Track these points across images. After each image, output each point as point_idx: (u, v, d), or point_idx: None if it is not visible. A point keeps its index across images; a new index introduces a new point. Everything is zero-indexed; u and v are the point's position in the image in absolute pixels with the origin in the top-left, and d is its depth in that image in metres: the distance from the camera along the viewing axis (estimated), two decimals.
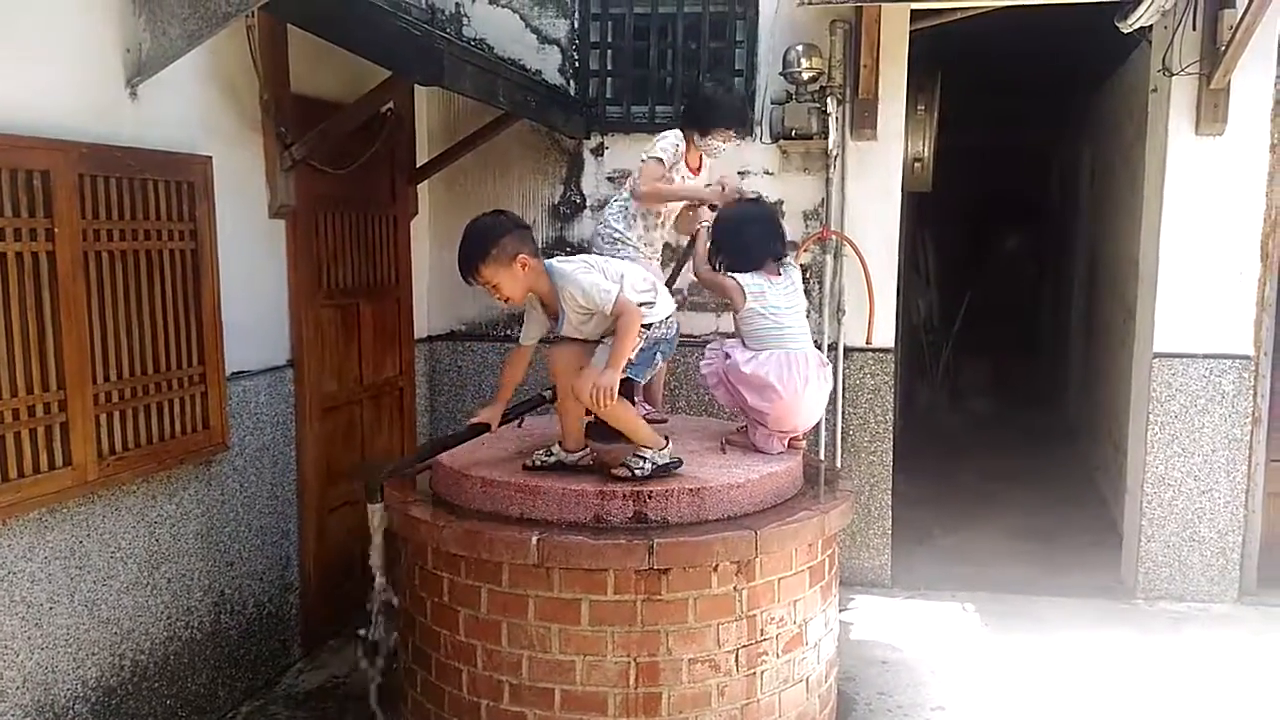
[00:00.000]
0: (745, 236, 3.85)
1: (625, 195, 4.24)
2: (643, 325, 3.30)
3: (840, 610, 5.02)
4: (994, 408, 10.53)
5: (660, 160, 4.10)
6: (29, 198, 3.02)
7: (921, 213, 10.43)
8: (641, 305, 3.30)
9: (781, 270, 3.81)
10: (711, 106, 4.15)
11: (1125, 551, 5.54)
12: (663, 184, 4.12)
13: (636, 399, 4.01)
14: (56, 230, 3.10)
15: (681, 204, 4.26)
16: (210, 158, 3.80)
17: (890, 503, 5.48)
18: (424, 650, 3.47)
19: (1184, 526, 5.23)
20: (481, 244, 3.24)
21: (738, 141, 4.33)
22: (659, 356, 3.46)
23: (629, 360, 3.28)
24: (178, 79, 3.63)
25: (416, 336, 5.56)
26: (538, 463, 3.48)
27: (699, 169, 4.26)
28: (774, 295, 3.72)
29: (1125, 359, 5.98)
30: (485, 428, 3.58)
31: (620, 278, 3.34)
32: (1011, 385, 11.04)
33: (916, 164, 6.92)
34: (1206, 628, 4.94)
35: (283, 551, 4.44)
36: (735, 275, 3.77)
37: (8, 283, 2.96)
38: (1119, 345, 6.59)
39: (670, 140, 4.11)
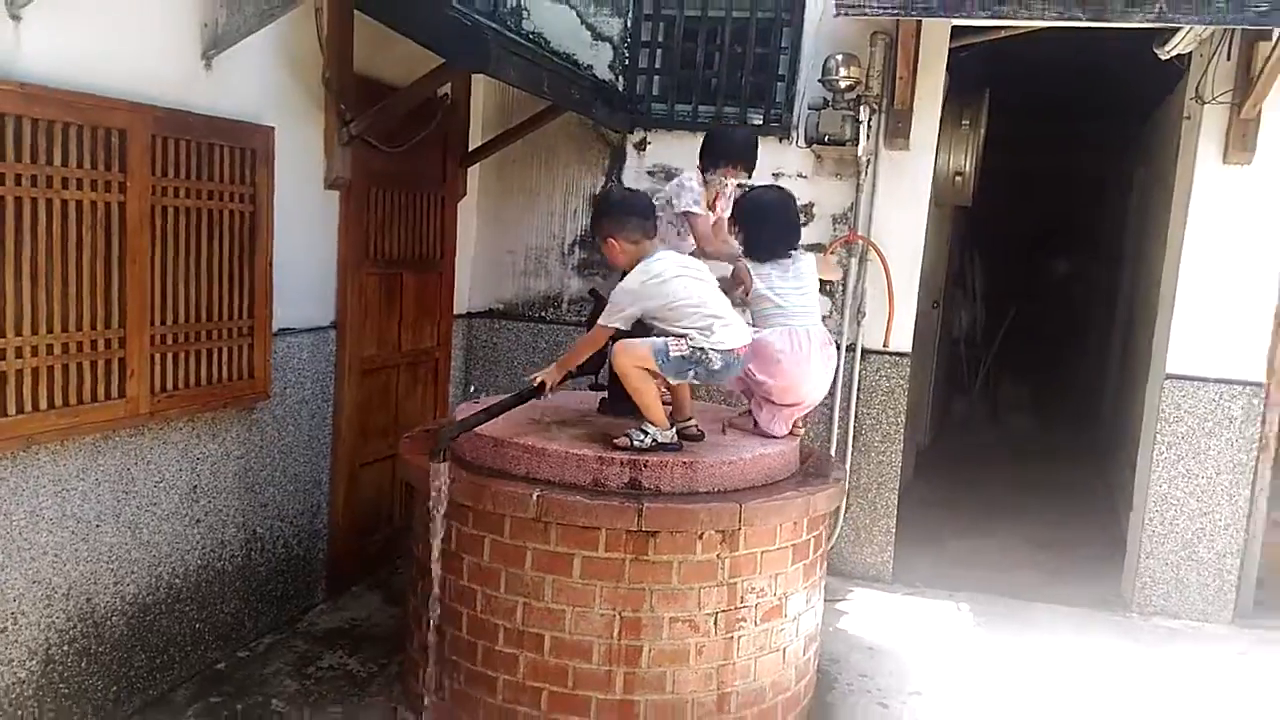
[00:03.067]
0: (766, 232, 4.08)
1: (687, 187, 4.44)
2: (693, 345, 3.56)
3: (836, 600, 5.26)
4: (1030, 424, 10.58)
5: (697, 213, 4.32)
6: (106, 153, 3.35)
7: (972, 231, 10.54)
8: (690, 331, 3.56)
9: (791, 255, 4.04)
10: (715, 142, 4.41)
11: (1126, 566, 5.65)
12: (723, 244, 4.34)
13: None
14: (128, 184, 3.43)
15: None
16: (273, 128, 4.12)
17: (896, 502, 5.65)
18: (430, 594, 3.75)
19: (1183, 546, 5.33)
20: (601, 214, 3.83)
21: (745, 176, 4.42)
22: (692, 373, 3.63)
23: (664, 357, 3.55)
24: (249, 54, 3.96)
25: (456, 312, 5.86)
26: (636, 443, 3.58)
27: (714, 204, 4.47)
28: (779, 278, 3.96)
29: (1147, 380, 6.07)
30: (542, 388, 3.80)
31: (666, 307, 3.60)
32: (1050, 404, 11.07)
33: (957, 177, 7.04)
34: (1195, 644, 5.04)
35: (314, 499, 4.77)
36: (746, 262, 4.02)
37: (81, 228, 3.29)
38: (1144, 367, 6.66)
39: (690, 189, 4.32)
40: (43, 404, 3.20)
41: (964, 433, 10.03)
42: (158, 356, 3.64)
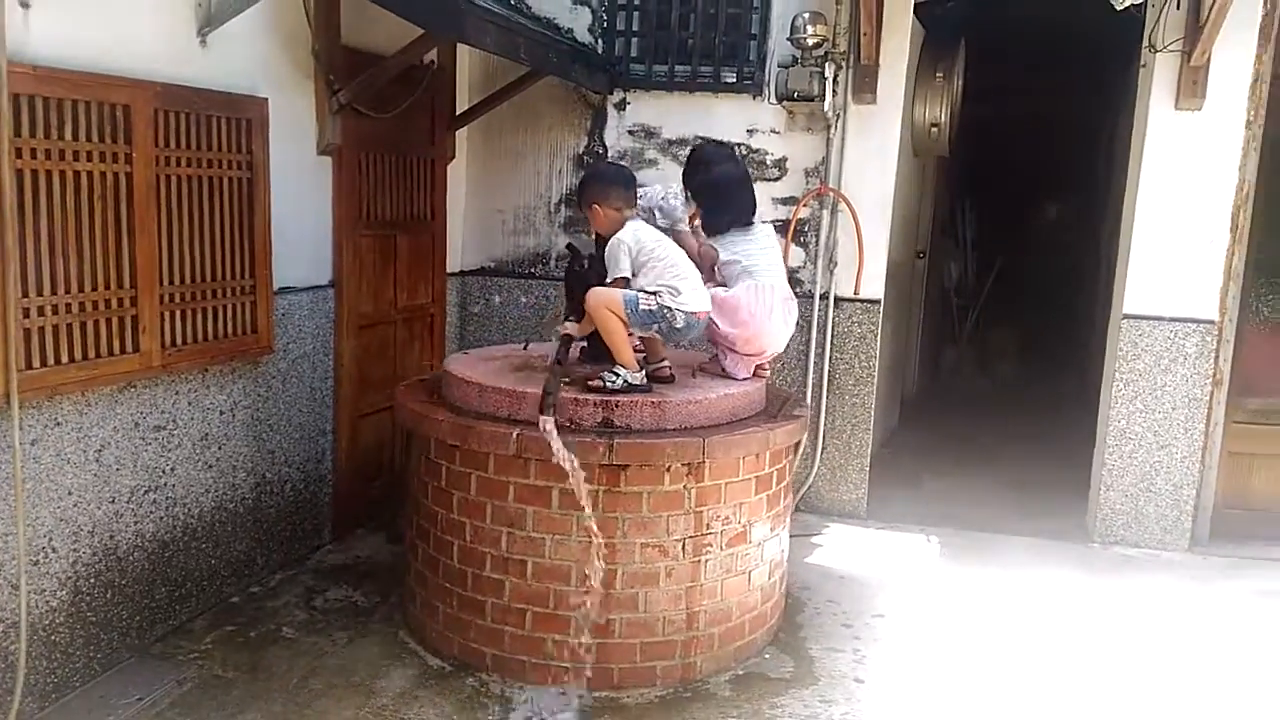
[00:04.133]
0: (724, 206, 4.39)
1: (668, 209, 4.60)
2: (660, 303, 3.87)
3: (812, 535, 5.59)
4: (1018, 372, 10.83)
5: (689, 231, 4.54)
6: (112, 127, 3.62)
7: (963, 181, 10.74)
8: (660, 290, 3.87)
9: (750, 224, 4.34)
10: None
11: (1090, 500, 5.94)
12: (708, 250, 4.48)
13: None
14: (133, 155, 3.70)
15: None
16: (267, 99, 4.39)
17: (870, 442, 5.94)
18: (425, 527, 4.09)
19: (1141, 478, 5.62)
20: (587, 183, 4.14)
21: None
22: (655, 327, 3.94)
23: (633, 307, 3.86)
24: (241, 29, 4.21)
25: (449, 270, 6.15)
26: (608, 385, 3.89)
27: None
28: (740, 241, 4.25)
29: None
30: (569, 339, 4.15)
31: (644, 265, 3.91)
32: (1039, 351, 11.30)
33: (934, 129, 7.24)
34: (1151, 572, 5.34)
35: (319, 447, 5.10)
36: (709, 242, 4.36)
37: (92, 197, 3.58)
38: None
39: (682, 214, 4.52)
40: (64, 358, 3.51)
41: (952, 381, 10.30)
42: (167, 314, 3.94)
